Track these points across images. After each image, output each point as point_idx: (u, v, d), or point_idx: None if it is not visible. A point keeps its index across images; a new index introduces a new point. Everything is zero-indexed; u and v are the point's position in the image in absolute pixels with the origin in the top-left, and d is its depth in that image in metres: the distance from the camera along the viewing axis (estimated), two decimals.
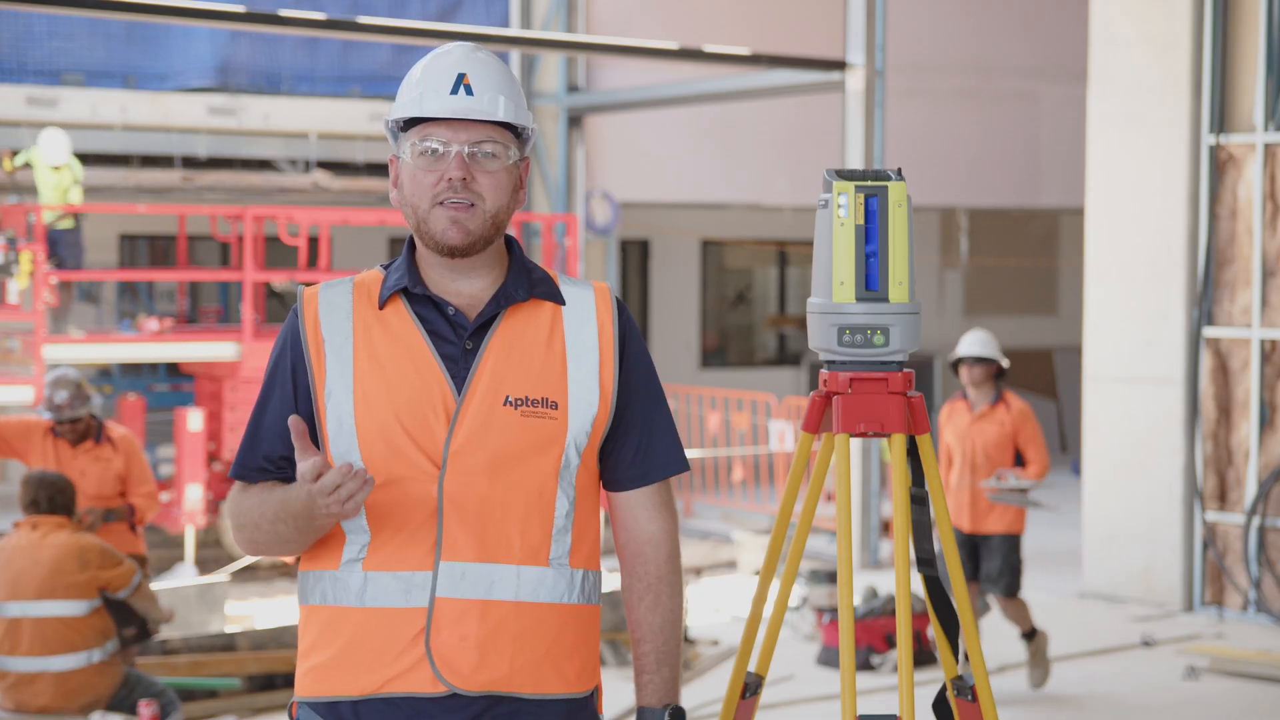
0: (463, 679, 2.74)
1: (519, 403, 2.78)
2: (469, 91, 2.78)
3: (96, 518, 7.65)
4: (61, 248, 13.52)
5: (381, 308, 2.82)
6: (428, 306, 2.82)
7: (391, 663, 2.74)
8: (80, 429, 7.83)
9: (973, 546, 8.15)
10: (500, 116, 2.79)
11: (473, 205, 2.77)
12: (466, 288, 2.84)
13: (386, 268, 2.89)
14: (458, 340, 2.80)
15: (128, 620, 7.13)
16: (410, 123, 2.81)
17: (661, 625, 2.88)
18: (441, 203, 2.77)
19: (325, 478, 2.61)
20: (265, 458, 2.84)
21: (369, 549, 2.76)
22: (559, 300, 2.87)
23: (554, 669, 2.80)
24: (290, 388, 2.82)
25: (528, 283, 2.86)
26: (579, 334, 2.85)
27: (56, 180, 13.22)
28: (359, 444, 2.77)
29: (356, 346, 2.80)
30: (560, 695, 2.81)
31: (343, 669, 2.77)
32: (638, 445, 2.89)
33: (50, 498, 6.59)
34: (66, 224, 13.20)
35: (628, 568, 2.92)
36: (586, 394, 2.83)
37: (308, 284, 2.93)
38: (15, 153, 13.68)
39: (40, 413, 7.97)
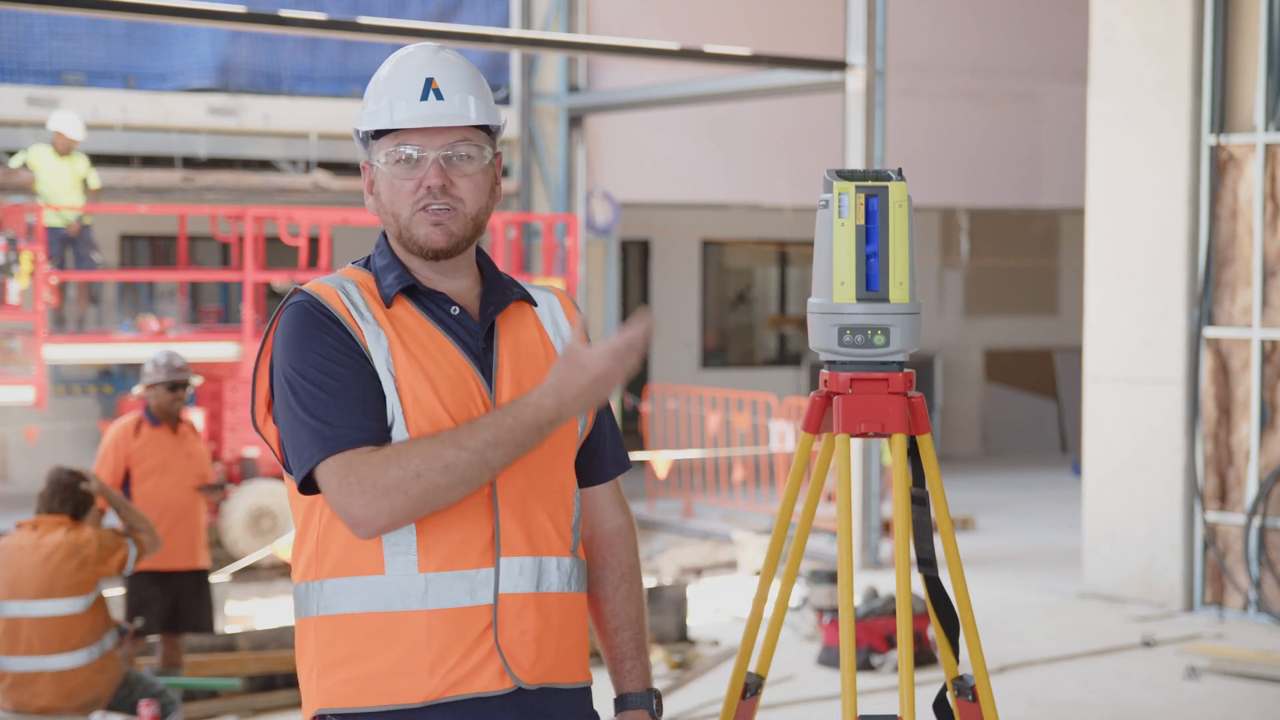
0: (524, 672, 2.75)
1: None
2: (439, 96, 2.77)
3: (221, 486, 8.08)
4: (80, 246, 13.51)
5: (389, 306, 2.79)
6: (430, 305, 2.81)
7: (459, 663, 2.71)
8: (179, 409, 7.95)
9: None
10: (473, 120, 2.78)
11: (453, 210, 2.77)
12: (453, 287, 2.84)
13: (367, 267, 2.85)
14: (471, 338, 2.80)
15: (135, 610, 7.20)
16: (382, 129, 2.79)
17: (638, 614, 2.95)
18: (424, 208, 2.76)
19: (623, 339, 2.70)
20: (377, 418, 2.70)
21: (419, 550, 2.71)
22: (532, 301, 2.91)
23: (579, 658, 2.85)
24: (359, 355, 2.71)
25: (504, 283, 2.89)
26: (559, 334, 2.90)
27: (71, 169, 13.20)
28: (410, 437, 2.71)
29: (389, 339, 2.76)
30: (583, 684, 2.87)
31: (398, 675, 2.71)
32: (603, 442, 2.95)
33: (52, 495, 6.59)
34: (66, 220, 13.19)
35: (599, 560, 2.95)
36: None
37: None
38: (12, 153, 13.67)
39: (145, 382, 7.93)
